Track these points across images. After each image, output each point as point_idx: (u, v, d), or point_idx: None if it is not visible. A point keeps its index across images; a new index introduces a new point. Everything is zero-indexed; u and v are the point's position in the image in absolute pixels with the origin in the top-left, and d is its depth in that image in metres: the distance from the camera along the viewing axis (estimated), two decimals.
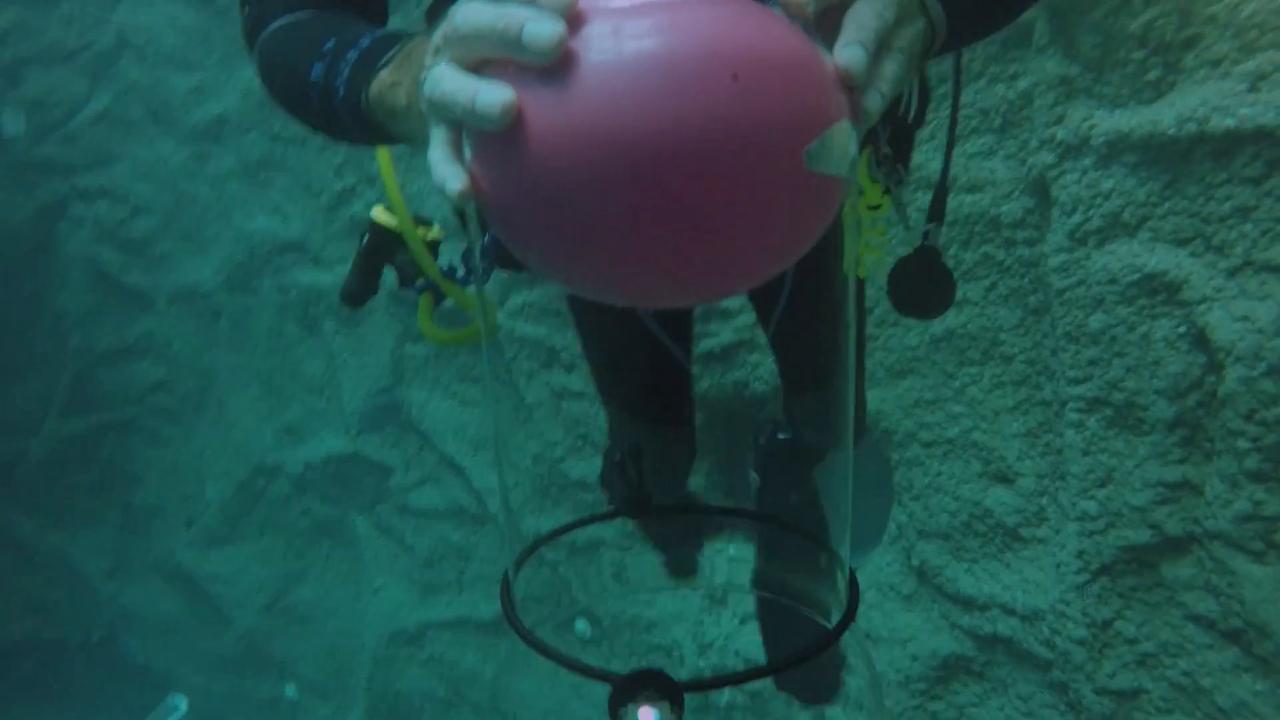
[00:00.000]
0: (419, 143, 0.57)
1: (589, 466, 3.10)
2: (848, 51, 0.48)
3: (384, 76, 0.64)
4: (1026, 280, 2.11)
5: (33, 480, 4.53)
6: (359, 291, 1.19)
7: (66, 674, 4.56)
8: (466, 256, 1.06)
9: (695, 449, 1.50)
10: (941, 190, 1.09)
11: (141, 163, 4.21)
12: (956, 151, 2.20)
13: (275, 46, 0.81)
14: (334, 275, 3.82)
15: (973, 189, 2.17)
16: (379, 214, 1.19)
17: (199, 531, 4.34)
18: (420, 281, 1.16)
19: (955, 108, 1.06)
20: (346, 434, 3.95)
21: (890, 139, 0.99)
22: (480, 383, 3.47)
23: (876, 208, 0.87)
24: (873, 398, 2.45)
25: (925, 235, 1.09)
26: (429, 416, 3.69)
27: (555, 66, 0.44)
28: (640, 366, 1.33)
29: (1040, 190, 2.01)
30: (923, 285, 1.08)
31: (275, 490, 4.24)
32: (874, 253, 0.95)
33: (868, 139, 0.74)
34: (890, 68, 0.52)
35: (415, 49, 0.62)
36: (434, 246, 1.20)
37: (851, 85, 0.48)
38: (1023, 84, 2.04)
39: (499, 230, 0.50)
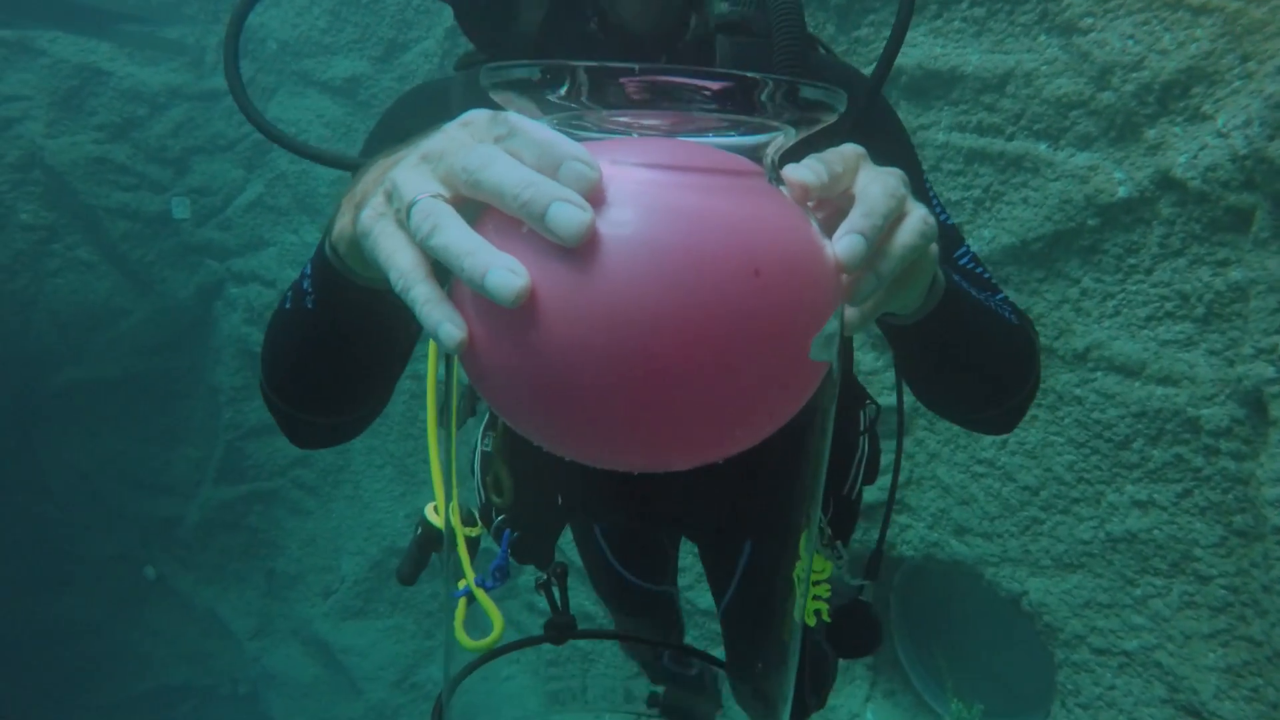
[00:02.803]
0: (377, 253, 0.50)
1: None
2: (846, 241, 0.48)
3: (342, 208, 0.60)
4: (1231, 496, 1.80)
5: (190, 540, 4.81)
6: (411, 575, 1.33)
7: None
8: (497, 573, 1.14)
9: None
10: (878, 553, 1.16)
11: (288, 248, 4.36)
12: (1146, 334, 1.92)
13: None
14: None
15: (1165, 380, 1.87)
16: (429, 513, 1.29)
17: (335, 604, 4.47)
18: (461, 585, 1.21)
19: (899, 449, 1.12)
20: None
21: (833, 519, 1.08)
22: None
23: (820, 571, 0.99)
24: (1035, 587, 2.18)
25: (860, 590, 1.16)
26: None
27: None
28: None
29: (1254, 403, 1.70)
30: (853, 632, 1.17)
31: None
32: (819, 604, 1.05)
33: (807, 517, 0.77)
34: (897, 249, 0.51)
35: (374, 167, 0.58)
36: (475, 543, 1.26)
37: (846, 272, 0.49)
38: (1235, 274, 1.73)
39: (477, 383, 0.47)
